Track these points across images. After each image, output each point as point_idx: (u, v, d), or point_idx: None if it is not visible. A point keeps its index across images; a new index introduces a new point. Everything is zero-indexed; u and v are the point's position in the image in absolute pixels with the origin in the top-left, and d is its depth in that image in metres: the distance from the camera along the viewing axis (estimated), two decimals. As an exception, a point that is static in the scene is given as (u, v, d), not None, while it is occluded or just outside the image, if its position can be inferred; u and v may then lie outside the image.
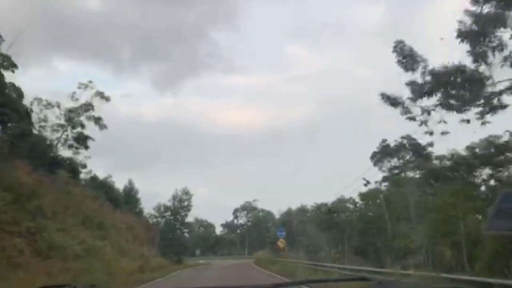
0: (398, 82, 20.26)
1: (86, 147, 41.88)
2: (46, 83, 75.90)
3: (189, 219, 53.06)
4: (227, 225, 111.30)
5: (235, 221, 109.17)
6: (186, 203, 52.67)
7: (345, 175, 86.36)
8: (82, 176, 40.22)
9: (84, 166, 44.72)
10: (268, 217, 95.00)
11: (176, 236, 51.08)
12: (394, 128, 38.46)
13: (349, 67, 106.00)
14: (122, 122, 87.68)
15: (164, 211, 52.03)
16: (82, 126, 42.48)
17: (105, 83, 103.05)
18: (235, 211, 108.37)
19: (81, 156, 39.30)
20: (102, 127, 41.78)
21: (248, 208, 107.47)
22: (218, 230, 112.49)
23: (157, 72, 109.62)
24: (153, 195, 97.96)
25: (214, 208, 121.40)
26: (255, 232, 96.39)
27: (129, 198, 56.55)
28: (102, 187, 46.34)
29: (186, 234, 54.58)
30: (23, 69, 31.81)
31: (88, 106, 42.05)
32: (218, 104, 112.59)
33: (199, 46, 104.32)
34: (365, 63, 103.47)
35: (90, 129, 40.11)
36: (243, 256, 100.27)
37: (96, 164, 74.35)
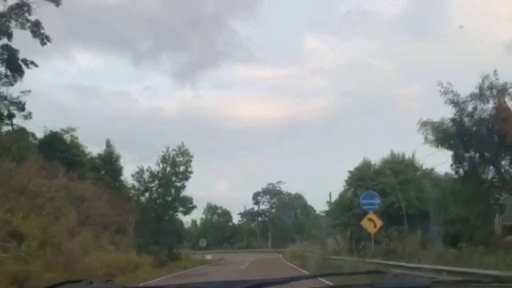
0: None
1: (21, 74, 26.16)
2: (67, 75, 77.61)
3: (188, 192, 34.43)
4: (245, 214, 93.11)
5: (256, 207, 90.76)
6: (182, 169, 34.28)
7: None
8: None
9: (21, 107, 28.56)
10: (297, 202, 76.25)
11: (165, 219, 32.74)
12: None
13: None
14: (141, 113, 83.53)
15: (149, 180, 33.75)
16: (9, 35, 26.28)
17: (123, 74, 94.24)
18: (255, 195, 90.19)
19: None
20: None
21: (271, 191, 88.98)
22: (236, 220, 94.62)
23: (176, 63, 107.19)
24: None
25: (232, 198, 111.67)
26: (281, 220, 77.75)
27: (107, 165, 39.33)
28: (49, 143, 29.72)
29: (182, 216, 35.85)
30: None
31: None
32: (237, 95, 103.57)
33: (218, 35, 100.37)
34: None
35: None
36: (266, 250, 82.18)
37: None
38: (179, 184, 34.52)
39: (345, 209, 28.40)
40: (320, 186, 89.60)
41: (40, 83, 68.21)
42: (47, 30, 27.19)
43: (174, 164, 34.25)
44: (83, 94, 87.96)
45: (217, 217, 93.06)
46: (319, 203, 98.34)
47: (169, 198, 33.71)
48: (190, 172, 35.06)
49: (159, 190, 33.18)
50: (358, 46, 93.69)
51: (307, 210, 74.70)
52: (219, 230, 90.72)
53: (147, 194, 33.57)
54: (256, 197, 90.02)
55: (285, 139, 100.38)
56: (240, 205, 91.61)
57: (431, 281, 1.84)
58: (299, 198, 75.88)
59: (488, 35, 57.56)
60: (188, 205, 34.77)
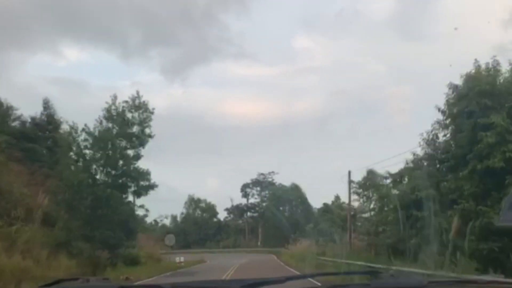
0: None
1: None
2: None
3: (146, 164, 23.19)
4: (233, 210, 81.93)
5: (245, 200, 79.42)
6: (137, 130, 22.96)
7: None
8: None
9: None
10: (293, 194, 65.15)
11: (109, 203, 21.30)
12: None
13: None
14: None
15: (85, 146, 22.20)
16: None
17: (112, 69, 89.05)
18: (244, 187, 78.84)
19: None
20: None
21: (262, 183, 77.80)
22: (222, 216, 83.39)
23: (166, 58, 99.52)
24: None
25: (219, 195, 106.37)
26: (273, 215, 66.50)
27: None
28: None
29: (132, 192, 23.73)
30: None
31: None
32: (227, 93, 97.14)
33: (209, 30, 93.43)
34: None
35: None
36: (256, 249, 71.14)
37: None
38: (130, 153, 23.16)
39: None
40: (318, 179, 79.74)
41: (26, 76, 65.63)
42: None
43: (123, 123, 22.85)
44: (70, 88, 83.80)
45: (200, 212, 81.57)
46: (317, 195, 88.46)
47: (115, 172, 22.29)
48: (149, 136, 23.73)
49: (98, 157, 21.70)
50: (349, 44, 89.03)
51: (305, 203, 63.62)
52: (202, 227, 79.28)
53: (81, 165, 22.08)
54: (244, 189, 78.77)
55: (276, 136, 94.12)
56: (227, 200, 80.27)
57: (427, 281, 1.80)
58: (295, 189, 64.75)
59: (478, 37, 56.60)
60: (142, 183, 23.35)
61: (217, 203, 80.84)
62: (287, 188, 66.11)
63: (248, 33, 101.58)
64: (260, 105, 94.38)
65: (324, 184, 79.40)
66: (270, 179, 76.30)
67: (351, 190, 27.96)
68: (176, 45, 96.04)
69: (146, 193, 23.51)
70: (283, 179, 73.55)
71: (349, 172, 27.64)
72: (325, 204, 57.96)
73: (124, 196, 23.18)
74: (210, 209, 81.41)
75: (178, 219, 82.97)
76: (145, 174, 23.21)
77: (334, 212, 53.34)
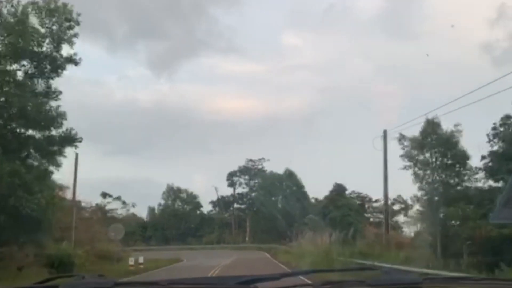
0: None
1: None
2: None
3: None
4: (218, 203, 72.73)
5: (232, 189, 70.16)
6: (48, 47, 13.34)
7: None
8: None
9: None
10: (288, 182, 56.06)
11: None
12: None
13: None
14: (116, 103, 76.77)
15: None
16: None
17: (97, 62, 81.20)
18: (231, 176, 69.48)
19: None
20: None
21: (251, 171, 68.58)
22: (207, 210, 74.12)
23: (153, 51, 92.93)
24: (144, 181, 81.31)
25: (205, 189, 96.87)
26: (265, 206, 57.37)
27: None
28: None
29: (35, 148, 14.20)
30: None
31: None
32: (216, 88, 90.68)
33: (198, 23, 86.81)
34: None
35: None
36: (244, 246, 62.13)
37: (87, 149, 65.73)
38: (37, 84, 13.70)
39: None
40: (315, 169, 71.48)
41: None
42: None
43: (23, 31, 13.38)
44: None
45: (180, 203, 72.01)
46: (315, 185, 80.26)
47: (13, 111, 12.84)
48: (71, 60, 14.29)
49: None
50: (341, 42, 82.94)
51: (302, 192, 54.57)
52: (183, 220, 69.88)
53: None
54: (231, 177, 69.45)
55: (265, 132, 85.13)
56: (211, 193, 70.88)
57: (423, 278, 1.83)
58: (289, 177, 55.61)
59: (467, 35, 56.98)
60: (54, 127, 13.92)
61: (201, 196, 71.63)
62: (280, 176, 56.96)
63: (238, 28, 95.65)
64: (249, 101, 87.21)
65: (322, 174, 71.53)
66: (260, 167, 67.20)
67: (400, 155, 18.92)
68: (164, 38, 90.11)
69: (60, 151, 14.13)
70: (275, 167, 64.18)
71: (385, 132, 18.64)
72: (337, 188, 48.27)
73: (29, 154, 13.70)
74: (192, 201, 71.95)
75: (157, 212, 73.36)
76: (53, 118, 13.78)
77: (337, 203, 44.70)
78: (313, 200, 55.62)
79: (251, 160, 67.41)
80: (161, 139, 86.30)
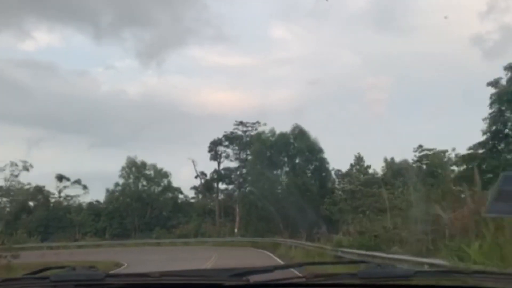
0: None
1: None
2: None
3: None
4: (200, 184, 54.53)
5: (216, 163, 51.62)
6: None
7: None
8: None
9: None
10: (298, 146, 37.86)
11: None
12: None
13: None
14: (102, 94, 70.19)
15: None
16: None
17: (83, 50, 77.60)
18: (214, 145, 51.04)
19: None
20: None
21: (242, 139, 50.23)
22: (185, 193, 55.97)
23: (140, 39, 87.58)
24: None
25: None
26: (260, 183, 39.13)
27: None
28: None
29: None
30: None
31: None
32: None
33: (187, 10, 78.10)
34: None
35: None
36: (232, 241, 43.26)
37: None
38: None
39: None
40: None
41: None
42: None
43: None
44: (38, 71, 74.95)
45: (146, 183, 53.30)
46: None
47: None
48: None
49: None
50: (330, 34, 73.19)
51: (320, 161, 36.43)
52: (149, 206, 51.50)
53: None
54: (214, 148, 51.03)
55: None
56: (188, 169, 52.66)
57: (414, 271, 1.83)
58: (300, 137, 37.39)
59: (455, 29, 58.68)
60: None
61: (174, 174, 53.78)
62: (286, 136, 38.58)
63: (228, 16, 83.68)
64: (236, 93, 75.38)
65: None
66: (253, 133, 48.76)
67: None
68: (152, 25, 78.97)
69: None
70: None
71: None
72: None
73: None
74: (162, 180, 53.47)
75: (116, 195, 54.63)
76: None
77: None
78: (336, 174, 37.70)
79: (241, 122, 49.07)
80: (147, 130, 74.95)
